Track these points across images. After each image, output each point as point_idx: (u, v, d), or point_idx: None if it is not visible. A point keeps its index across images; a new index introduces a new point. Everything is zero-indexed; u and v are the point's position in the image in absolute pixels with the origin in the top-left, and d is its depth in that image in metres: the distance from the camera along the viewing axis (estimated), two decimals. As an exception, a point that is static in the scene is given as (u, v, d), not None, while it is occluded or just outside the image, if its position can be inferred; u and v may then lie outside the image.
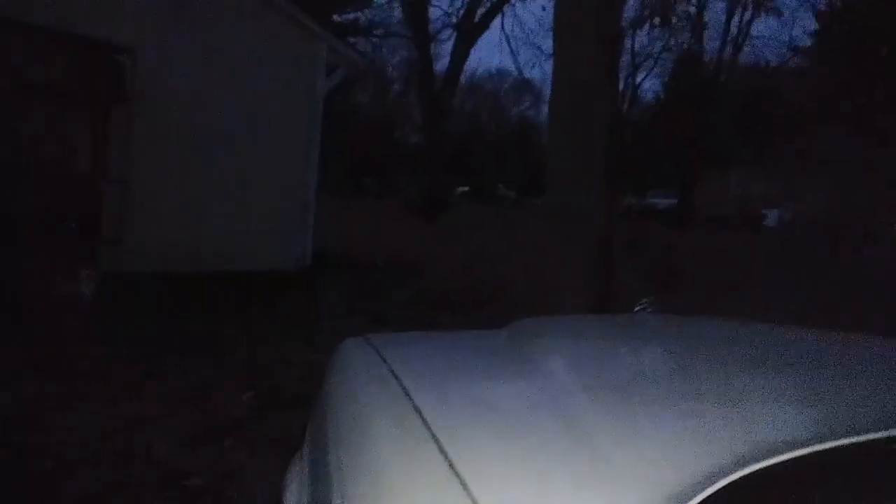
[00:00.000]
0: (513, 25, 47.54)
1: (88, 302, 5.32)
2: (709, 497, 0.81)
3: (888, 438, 0.99)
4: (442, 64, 26.05)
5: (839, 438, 0.96)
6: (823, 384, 1.30)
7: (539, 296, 4.61)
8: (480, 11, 22.69)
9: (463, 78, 28.62)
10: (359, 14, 25.12)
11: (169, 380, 3.98)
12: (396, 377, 1.27)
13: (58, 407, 3.40)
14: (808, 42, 25.36)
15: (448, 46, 24.82)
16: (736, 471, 0.85)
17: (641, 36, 28.17)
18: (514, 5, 24.69)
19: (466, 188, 32.33)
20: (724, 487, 0.83)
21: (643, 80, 34.16)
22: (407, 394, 1.18)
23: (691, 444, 0.97)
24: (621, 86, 29.91)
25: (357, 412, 1.24)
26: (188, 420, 3.40)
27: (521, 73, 51.47)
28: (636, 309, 1.86)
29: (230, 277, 6.77)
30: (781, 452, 0.91)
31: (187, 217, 6.92)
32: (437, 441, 0.93)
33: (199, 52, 6.92)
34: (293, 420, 3.39)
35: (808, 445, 0.93)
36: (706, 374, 1.37)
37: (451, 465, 0.86)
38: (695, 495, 0.80)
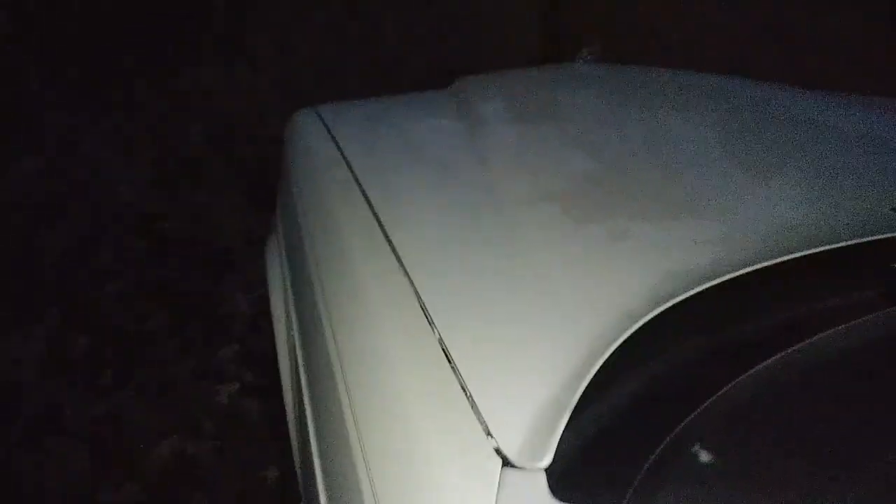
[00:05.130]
0: None
1: None
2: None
3: None
4: None
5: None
6: (828, 155, 1.21)
7: (485, 40, 4.44)
8: None
9: None
10: None
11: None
12: (343, 154, 1.35)
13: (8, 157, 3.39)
14: None
15: None
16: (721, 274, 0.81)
17: None
18: None
19: None
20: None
21: None
22: (353, 173, 1.26)
23: (673, 239, 0.94)
24: None
25: (311, 189, 1.34)
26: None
27: None
28: (578, 59, 1.87)
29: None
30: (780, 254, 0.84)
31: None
32: (378, 220, 1.07)
33: None
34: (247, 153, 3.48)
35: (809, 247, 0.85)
36: (677, 140, 1.31)
37: (386, 238, 1.01)
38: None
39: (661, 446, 0.60)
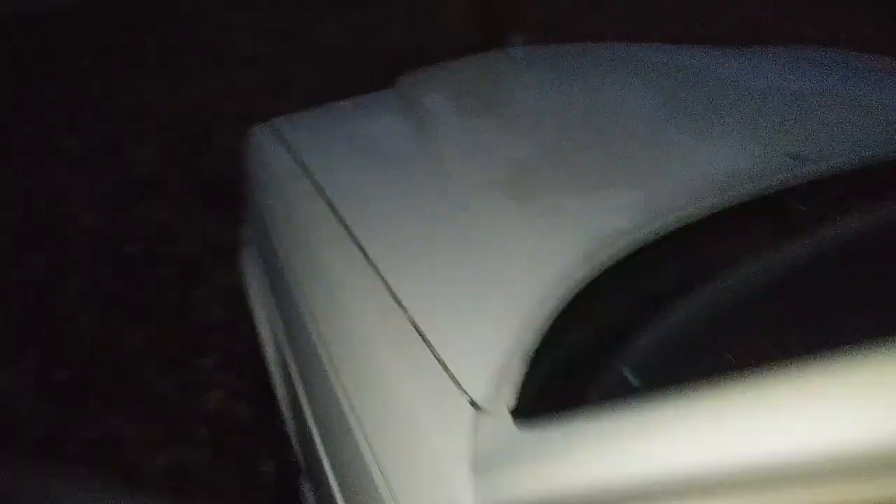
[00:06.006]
0: None
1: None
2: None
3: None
4: None
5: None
6: (734, 112, 1.36)
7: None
8: None
9: None
10: None
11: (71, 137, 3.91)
12: (302, 164, 1.44)
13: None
14: None
15: None
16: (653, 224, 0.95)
17: None
18: None
19: None
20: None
21: None
22: (313, 181, 1.36)
23: (599, 207, 1.08)
24: None
25: (278, 202, 1.44)
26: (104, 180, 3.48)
27: None
28: (508, 44, 1.99)
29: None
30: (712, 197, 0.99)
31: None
32: (342, 220, 1.19)
33: None
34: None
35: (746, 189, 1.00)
36: (621, 116, 1.42)
37: (352, 235, 1.14)
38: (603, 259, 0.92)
39: (599, 375, 0.73)
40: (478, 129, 1.51)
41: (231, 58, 5.21)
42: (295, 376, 1.21)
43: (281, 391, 1.39)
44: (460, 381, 0.81)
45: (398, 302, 0.96)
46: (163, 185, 3.49)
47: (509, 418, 0.74)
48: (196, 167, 3.66)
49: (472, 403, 0.79)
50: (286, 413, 1.36)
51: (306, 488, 1.22)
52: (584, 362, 0.78)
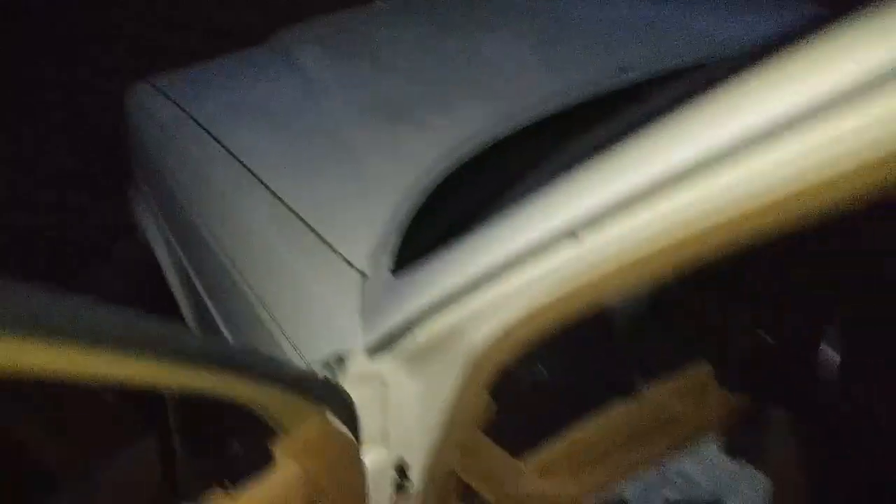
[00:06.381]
0: None
1: None
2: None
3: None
4: None
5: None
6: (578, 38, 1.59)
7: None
8: None
9: None
10: None
11: None
12: (187, 112, 1.55)
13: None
14: None
15: None
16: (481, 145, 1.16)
17: None
18: None
19: None
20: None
21: None
22: (202, 126, 1.48)
23: (458, 119, 1.28)
24: None
25: (167, 146, 1.55)
26: None
27: None
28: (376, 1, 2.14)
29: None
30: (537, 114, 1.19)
31: None
32: (233, 154, 1.34)
33: None
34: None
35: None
36: (462, 56, 1.63)
37: (240, 162, 1.29)
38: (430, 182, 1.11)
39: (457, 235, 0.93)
40: (350, 68, 1.65)
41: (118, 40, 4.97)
42: (199, 287, 1.35)
43: (185, 306, 1.51)
44: (348, 257, 1.01)
45: (289, 207, 1.13)
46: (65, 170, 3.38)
47: (388, 275, 0.93)
48: (92, 147, 3.55)
49: (359, 272, 0.98)
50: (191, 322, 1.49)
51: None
52: (447, 230, 0.96)
